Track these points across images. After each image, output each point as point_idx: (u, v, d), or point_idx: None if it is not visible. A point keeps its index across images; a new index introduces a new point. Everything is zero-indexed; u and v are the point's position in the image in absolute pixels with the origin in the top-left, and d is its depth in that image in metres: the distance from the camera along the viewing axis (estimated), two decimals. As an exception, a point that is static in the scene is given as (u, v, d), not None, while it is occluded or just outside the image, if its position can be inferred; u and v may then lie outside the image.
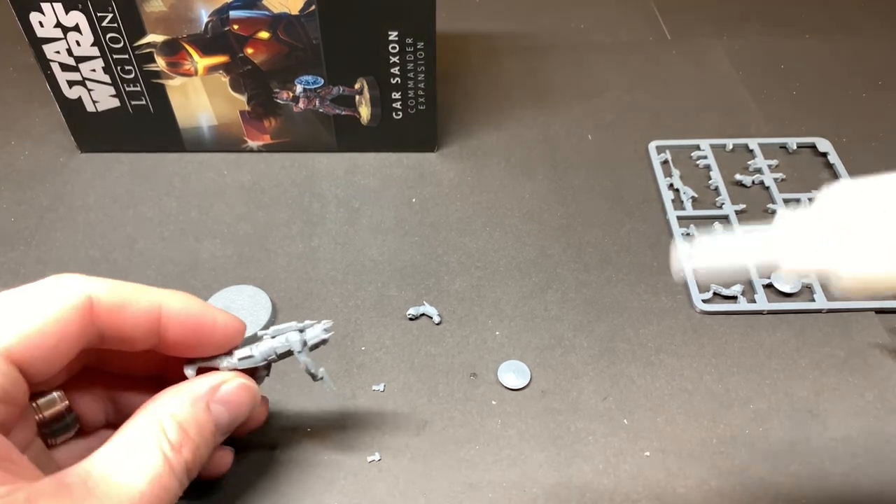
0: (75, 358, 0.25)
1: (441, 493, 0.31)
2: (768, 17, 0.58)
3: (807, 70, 0.53)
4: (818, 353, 0.36)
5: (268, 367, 0.29)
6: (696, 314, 0.37)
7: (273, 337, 0.28)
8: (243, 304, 0.37)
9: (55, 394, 0.26)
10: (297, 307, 0.38)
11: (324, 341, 0.29)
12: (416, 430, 0.33)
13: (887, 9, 0.59)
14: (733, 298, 0.38)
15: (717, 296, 0.38)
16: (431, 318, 0.37)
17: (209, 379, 0.27)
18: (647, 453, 0.32)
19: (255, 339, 0.28)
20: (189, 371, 0.28)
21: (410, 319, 0.37)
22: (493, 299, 0.38)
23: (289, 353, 0.28)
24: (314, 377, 0.29)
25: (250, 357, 0.28)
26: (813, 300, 0.38)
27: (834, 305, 0.37)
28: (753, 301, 0.38)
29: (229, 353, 0.28)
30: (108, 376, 0.29)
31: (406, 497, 0.30)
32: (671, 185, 0.44)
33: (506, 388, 0.34)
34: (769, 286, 0.38)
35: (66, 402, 0.26)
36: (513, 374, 0.35)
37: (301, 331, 0.28)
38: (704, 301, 0.38)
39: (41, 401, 0.26)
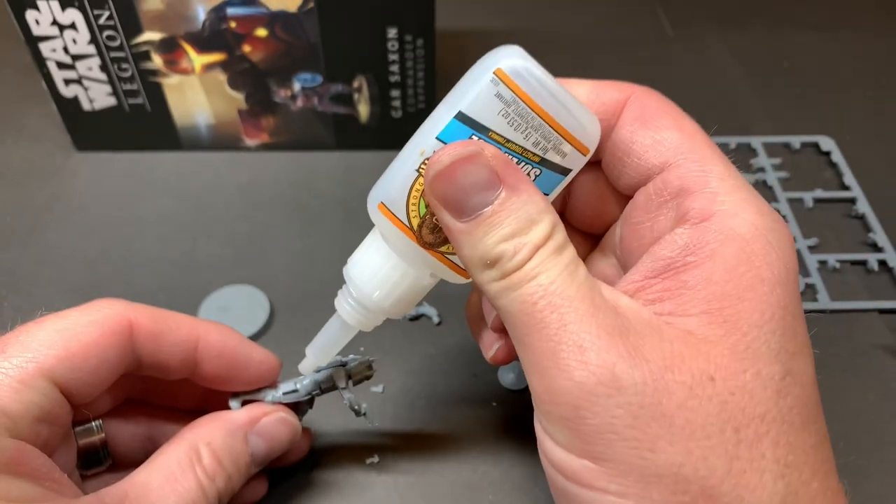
0: (119, 385, 0.26)
1: (441, 495, 0.30)
2: (772, 14, 0.58)
3: (811, 68, 0.53)
4: (821, 353, 0.35)
5: (311, 401, 0.29)
6: (698, 314, 0.37)
7: (317, 371, 0.28)
8: (241, 304, 0.37)
9: (93, 424, 0.26)
10: (295, 307, 0.37)
11: (367, 377, 0.29)
12: (416, 432, 0.32)
13: (893, 6, 0.58)
14: (736, 298, 0.37)
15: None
16: (431, 318, 0.37)
17: (250, 410, 0.27)
18: (649, 455, 0.32)
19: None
20: (234, 404, 0.28)
21: (410, 320, 0.37)
22: (493, 299, 0.38)
23: (332, 388, 0.29)
24: (357, 413, 0.29)
25: (294, 391, 0.28)
26: (816, 300, 0.37)
27: (837, 306, 0.37)
28: (756, 301, 0.37)
29: (274, 386, 0.29)
30: (150, 408, 0.29)
31: (405, 499, 0.30)
32: (673, 184, 0.44)
33: (506, 388, 0.34)
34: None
35: (102, 435, 0.26)
36: (513, 374, 0.34)
37: (344, 364, 0.29)
38: (706, 301, 0.37)
39: (79, 429, 0.26)
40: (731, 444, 0.19)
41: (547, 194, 0.23)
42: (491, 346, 0.27)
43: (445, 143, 0.21)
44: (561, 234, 0.21)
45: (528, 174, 0.22)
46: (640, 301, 0.21)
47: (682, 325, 0.20)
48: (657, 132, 0.23)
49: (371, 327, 0.25)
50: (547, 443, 0.21)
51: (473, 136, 0.21)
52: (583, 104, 0.23)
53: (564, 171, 0.23)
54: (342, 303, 0.25)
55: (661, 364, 0.19)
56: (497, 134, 0.21)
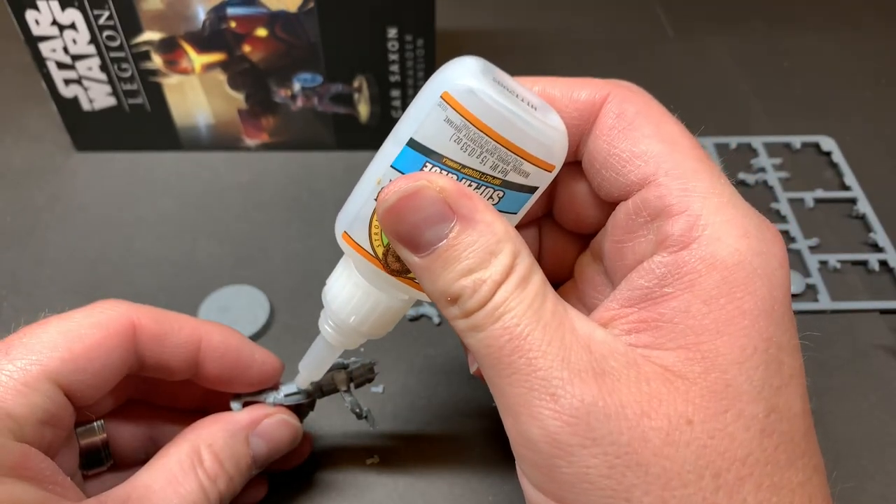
0: (121, 386, 0.26)
1: (441, 495, 0.30)
2: (772, 15, 0.58)
3: (811, 68, 0.53)
4: (822, 354, 0.35)
5: (312, 403, 0.29)
6: (699, 315, 0.37)
7: None
8: (241, 305, 0.37)
9: (95, 424, 0.26)
10: (295, 308, 0.37)
11: (369, 380, 0.29)
12: (416, 432, 0.32)
13: (893, 6, 0.58)
14: (736, 299, 0.37)
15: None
16: (431, 318, 0.37)
17: (251, 411, 0.27)
18: (649, 456, 0.32)
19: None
20: (235, 405, 0.28)
21: (410, 320, 0.37)
22: (494, 300, 0.38)
23: (334, 390, 0.28)
24: (359, 416, 0.29)
25: (296, 394, 0.28)
26: (817, 300, 0.37)
27: (837, 306, 0.37)
28: (756, 301, 0.37)
29: (275, 388, 0.28)
30: (152, 409, 0.29)
31: (405, 500, 0.30)
32: (673, 184, 0.44)
33: (506, 389, 0.34)
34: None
35: (104, 435, 0.26)
36: (513, 375, 0.34)
37: (346, 367, 0.29)
38: (707, 301, 0.37)
39: (80, 430, 0.26)
40: (710, 492, 0.18)
41: (515, 212, 0.22)
42: (473, 362, 0.27)
43: (400, 172, 0.20)
44: (524, 263, 0.20)
45: (491, 197, 0.21)
46: (617, 330, 0.20)
47: (659, 359, 0.19)
48: (636, 143, 0.21)
49: (355, 346, 0.25)
50: (523, 480, 0.21)
51: (427, 164, 0.20)
52: (551, 110, 0.21)
53: (531, 190, 0.22)
54: (323, 325, 0.25)
55: (637, 410, 0.18)
56: (451, 160, 0.20)
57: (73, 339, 0.24)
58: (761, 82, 0.51)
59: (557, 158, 0.21)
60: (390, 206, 0.20)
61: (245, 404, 0.28)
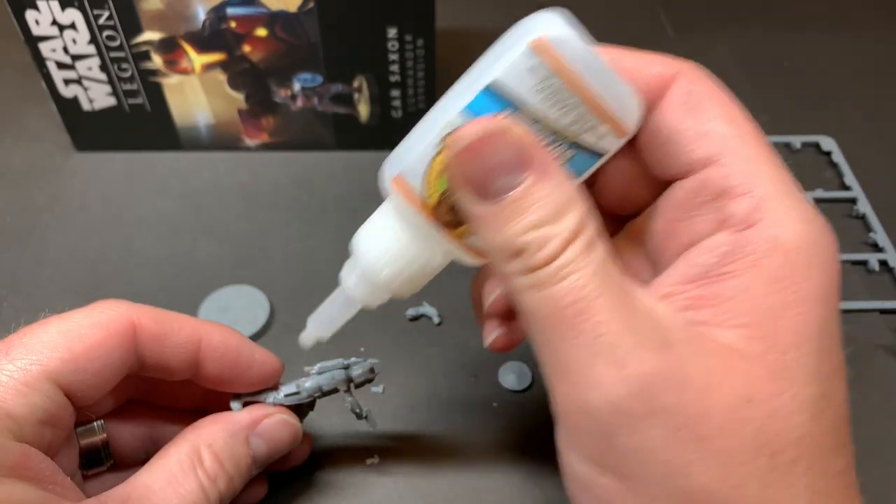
0: (121, 386, 0.26)
1: (441, 496, 0.30)
2: (772, 15, 0.58)
3: (811, 67, 0.53)
4: (822, 354, 0.35)
5: (312, 403, 0.29)
6: (699, 314, 0.37)
7: (319, 374, 0.28)
8: (240, 305, 0.37)
9: (95, 424, 0.26)
10: (295, 308, 0.37)
11: (369, 380, 0.29)
12: (416, 433, 0.32)
13: (893, 6, 0.58)
14: (736, 299, 0.37)
15: (720, 296, 0.38)
16: (431, 318, 0.37)
17: (251, 411, 0.27)
18: (650, 456, 0.32)
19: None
20: (235, 405, 0.28)
21: (410, 320, 0.37)
22: (494, 299, 0.38)
23: (334, 391, 0.28)
24: (359, 416, 0.29)
25: (296, 394, 0.28)
26: (817, 300, 0.37)
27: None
28: (757, 301, 0.37)
29: (275, 388, 0.28)
30: (152, 409, 0.29)
31: (405, 500, 0.30)
32: (673, 184, 0.44)
33: (507, 389, 0.34)
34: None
35: (104, 435, 0.26)
36: (514, 375, 0.34)
37: (346, 367, 0.28)
38: (707, 301, 0.37)
39: (80, 429, 0.26)
40: (766, 471, 0.18)
41: (578, 175, 0.22)
42: (490, 333, 0.26)
43: (472, 117, 0.20)
44: (592, 227, 0.19)
45: (560, 157, 0.21)
46: (674, 307, 0.20)
47: (720, 337, 0.19)
48: (704, 122, 0.21)
49: (376, 305, 0.24)
50: (570, 456, 0.20)
51: (503, 112, 0.20)
52: (626, 79, 0.21)
53: (599, 154, 0.21)
54: (348, 277, 0.24)
55: (701, 384, 0.18)
56: (530, 110, 0.20)
57: (74, 339, 0.24)
58: (761, 82, 0.51)
59: (633, 123, 0.21)
60: (466, 146, 0.19)
61: (245, 404, 0.28)
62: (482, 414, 0.33)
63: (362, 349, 0.35)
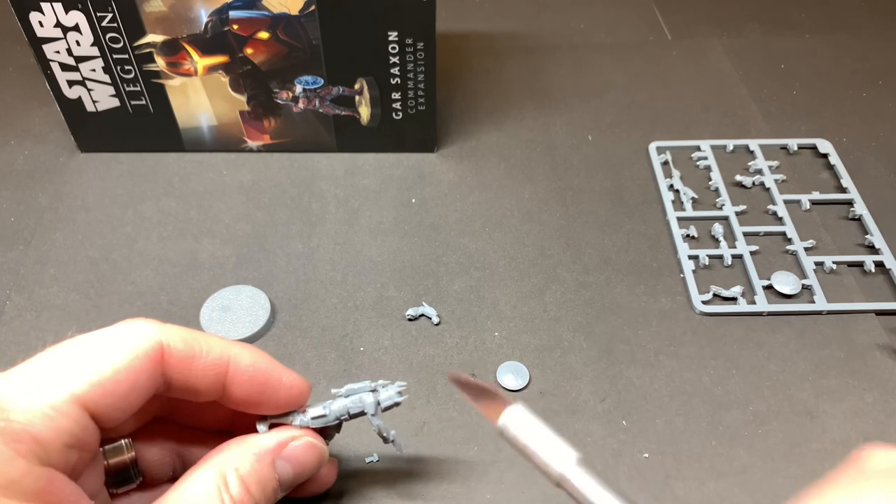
0: (146, 406, 0.25)
1: (439, 494, 0.30)
2: (769, 18, 0.58)
3: (807, 70, 0.53)
4: (818, 354, 0.36)
5: (338, 426, 0.29)
6: (696, 315, 0.37)
7: (346, 396, 0.28)
8: (242, 305, 0.37)
9: (123, 442, 0.26)
10: (296, 308, 0.38)
11: (397, 403, 0.28)
12: (415, 431, 0.33)
13: (888, 9, 0.59)
14: (733, 300, 0.38)
15: (717, 297, 0.38)
16: (430, 318, 0.37)
17: (277, 434, 0.27)
18: (646, 455, 0.32)
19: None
20: (262, 427, 0.28)
21: (409, 320, 0.37)
22: (493, 300, 0.38)
23: (361, 413, 0.28)
24: (385, 439, 0.29)
25: (323, 416, 0.28)
26: (813, 301, 0.38)
27: (834, 307, 0.37)
28: (753, 303, 0.38)
29: (302, 410, 0.28)
30: (177, 428, 0.29)
31: (404, 498, 0.30)
32: (671, 186, 0.44)
33: (505, 388, 0.34)
34: (769, 287, 0.38)
35: (133, 454, 0.26)
36: (511, 374, 0.35)
37: (374, 390, 0.28)
38: (704, 302, 0.38)
39: (108, 448, 0.26)
40: None
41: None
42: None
43: None
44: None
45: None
46: None
47: None
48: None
49: None
50: None
51: None
52: None
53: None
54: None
55: None
56: None
57: (101, 361, 0.23)
58: (758, 85, 0.52)
59: None
60: None
61: (271, 426, 0.28)
62: (481, 413, 0.33)
63: (362, 349, 0.36)
